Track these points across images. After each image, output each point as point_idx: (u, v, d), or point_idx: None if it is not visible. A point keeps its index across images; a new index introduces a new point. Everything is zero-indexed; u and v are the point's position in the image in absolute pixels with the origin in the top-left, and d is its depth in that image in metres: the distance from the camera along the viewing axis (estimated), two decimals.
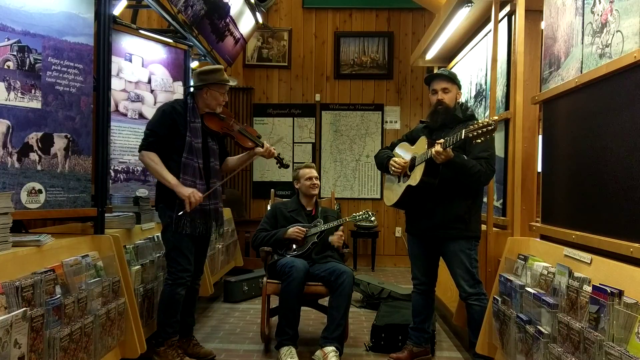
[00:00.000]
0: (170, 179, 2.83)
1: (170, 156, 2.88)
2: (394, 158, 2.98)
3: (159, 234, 3.15)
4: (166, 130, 2.87)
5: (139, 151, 2.90)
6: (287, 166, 3.34)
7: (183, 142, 2.87)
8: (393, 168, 2.95)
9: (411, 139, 3.01)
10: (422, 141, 2.81)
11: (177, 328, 2.97)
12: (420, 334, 3.12)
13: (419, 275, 3.08)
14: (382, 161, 3.05)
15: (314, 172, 3.57)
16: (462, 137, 2.50)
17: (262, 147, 3.12)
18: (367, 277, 4.93)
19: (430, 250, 2.98)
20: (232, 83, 3.07)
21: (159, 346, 2.91)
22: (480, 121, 2.50)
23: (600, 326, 1.67)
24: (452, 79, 2.93)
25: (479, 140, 2.47)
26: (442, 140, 2.63)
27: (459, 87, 2.98)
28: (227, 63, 5.39)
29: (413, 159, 2.88)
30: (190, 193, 2.81)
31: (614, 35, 1.91)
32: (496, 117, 2.51)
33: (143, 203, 3.25)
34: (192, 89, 3.05)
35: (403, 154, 3.00)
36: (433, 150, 2.64)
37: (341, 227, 3.52)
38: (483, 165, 2.72)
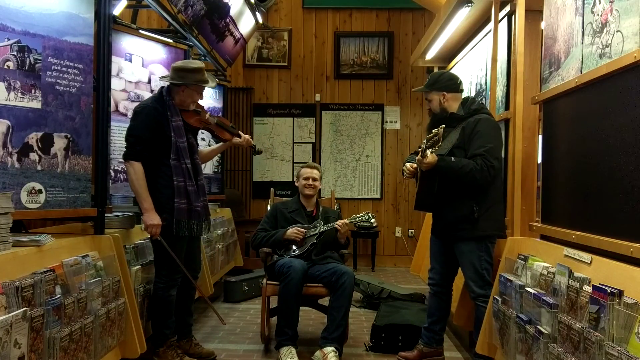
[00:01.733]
0: (145, 201, 2.75)
1: (161, 161, 2.82)
2: (407, 163, 3.03)
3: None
4: (150, 134, 2.78)
5: (125, 159, 2.79)
6: (260, 152, 3.43)
7: (169, 144, 2.80)
8: (405, 174, 3.02)
9: None
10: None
11: (174, 328, 2.97)
12: (431, 334, 3.11)
13: (433, 275, 3.11)
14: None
15: (314, 173, 3.54)
16: (424, 147, 2.65)
17: (240, 137, 3.15)
18: (367, 277, 4.93)
19: (448, 251, 2.98)
20: (212, 85, 3.00)
21: (159, 347, 2.91)
22: (433, 131, 2.62)
23: (600, 326, 1.67)
24: (428, 87, 2.94)
25: (435, 149, 2.63)
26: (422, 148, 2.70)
27: (442, 88, 2.89)
28: (227, 63, 5.39)
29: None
30: (155, 224, 2.75)
31: (614, 35, 1.91)
32: (442, 127, 2.59)
33: None
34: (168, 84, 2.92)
35: None
36: (417, 158, 2.74)
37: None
38: (478, 162, 2.69)
